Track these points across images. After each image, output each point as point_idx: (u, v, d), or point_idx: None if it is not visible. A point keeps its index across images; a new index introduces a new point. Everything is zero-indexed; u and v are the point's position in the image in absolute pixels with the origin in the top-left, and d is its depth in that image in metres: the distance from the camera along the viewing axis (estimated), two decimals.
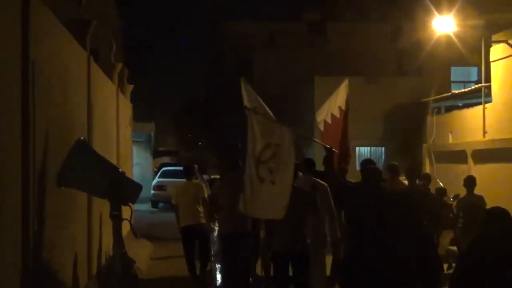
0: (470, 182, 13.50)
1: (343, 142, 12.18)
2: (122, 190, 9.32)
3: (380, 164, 26.09)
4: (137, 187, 10.23)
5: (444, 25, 20.43)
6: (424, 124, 25.10)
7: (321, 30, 38.99)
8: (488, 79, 19.15)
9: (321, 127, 12.37)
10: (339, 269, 6.66)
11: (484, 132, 19.10)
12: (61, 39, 9.38)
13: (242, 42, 40.30)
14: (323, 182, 10.76)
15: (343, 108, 12.19)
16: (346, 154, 12.17)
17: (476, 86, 20.06)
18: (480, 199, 13.26)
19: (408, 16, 33.87)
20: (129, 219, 9.87)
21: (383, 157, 28.61)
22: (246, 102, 10.90)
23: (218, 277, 12.36)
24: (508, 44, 17.60)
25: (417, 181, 13.24)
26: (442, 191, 14.79)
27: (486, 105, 19.11)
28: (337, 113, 12.26)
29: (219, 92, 42.82)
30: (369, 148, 28.71)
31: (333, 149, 10.82)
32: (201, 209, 12.95)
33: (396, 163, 13.47)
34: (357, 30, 36.91)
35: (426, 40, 28.87)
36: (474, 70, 31.51)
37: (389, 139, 27.95)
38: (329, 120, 12.30)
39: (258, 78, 37.66)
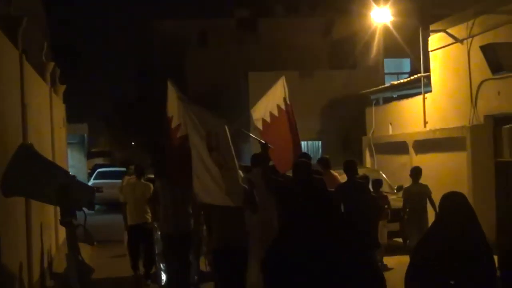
0: (416, 172, 13.71)
1: (293, 139, 12.01)
2: (73, 195, 8.74)
3: (317, 158, 25.92)
4: (90, 191, 9.71)
5: (380, 16, 20.21)
6: (362, 117, 24.90)
7: (252, 26, 38.55)
8: (426, 69, 18.97)
9: (260, 126, 12.14)
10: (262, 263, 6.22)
11: (425, 122, 18.88)
12: None
13: (173, 40, 39.66)
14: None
15: (282, 107, 12.04)
16: (298, 151, 11.93)
17: (416, 76, 19.82)
18: (425, 187, 13.47)
19: (339, 9, 33.75)
20: (83, 224, 9.45)
21: (320, 151, 28.53)
22: (168, 108, 11.07)
23: (163, 276, 12.35)
24: (447, 33, 17.41)
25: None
26: (378, 182, 14.67)
27: (426, 95, 18.91)
28: (276, 112, 12.07)
29: (150, 92, 42.10)
30: (305, 142, 28.50)
31: (269, 145, 11.19)
32: (148, 208, 12.96)
33: (326, 156, 13.67)
34: (288, 24, 36.61)
35: (359, 33, 28.95)
36: (406, 61, 31.66)
37: (326, 133, 27.92)
38: (268, 119, 12.08)
39: (190, 76, 37.22)
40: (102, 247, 18.32)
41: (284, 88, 12.21)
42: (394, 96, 24.63)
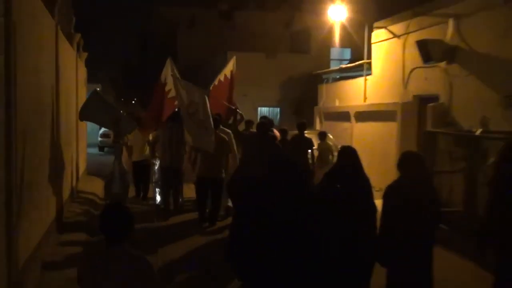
0: (321, 134, 14.80)
1: (229, 101, 13.10)
2: (122, 124, 10.74)
3: (276, 121, 26.29)
4: (133, 124, 11.46)
5: (334, 13, 19.64)
6: (314, 91, 24.45)
7: (230, 16, 37.71)
8: (369, 57, 18.49)
9: (211, 87, 12.95)
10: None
11: (365, 98, 18.46)
12: (35, 8, 7.93)
13: (168, 23, 38.89)
14: (228, 130, 11.82)
15: (228, 76, 13.05)
16: (233, 110, 13.06)
17: (360, 62, 19.30)
18: (329, 145, 14.67)
19: (298, 6, 33.20)
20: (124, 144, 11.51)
21: (278, 115, 28.51)
22: (163, 75, 12.42)
23: (158, 197, 13.05)
24: (387, 30, 16.91)
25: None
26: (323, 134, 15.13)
27: (367, 77, 18.45)
28: (222, 79, 13.07)
29: (149, 62, 41.14)
30: (268, 108, 28.40)
31: (239, 111, 12.76)
32: (147, 149, 13.71)
33: (270, 118, 14.80)
34: (258, 17, 35.85)
35: (313, 26, 28.84)
36: (347, 51, 31.35)
37: (283, 102, 27.95)
38: (216, 83, 13.03)
39: (181, 52, 36.60)
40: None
41: (233, 65, 13.22)
42: (337, 77, 24.22)
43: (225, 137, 11.20)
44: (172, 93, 12.24)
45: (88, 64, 21.76)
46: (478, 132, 11.55)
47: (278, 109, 28.75)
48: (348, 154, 6.24)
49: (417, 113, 15.51)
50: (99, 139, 29.28)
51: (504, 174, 5.47)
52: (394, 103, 16.09)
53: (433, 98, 14.37)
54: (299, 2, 33.15)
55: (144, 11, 45.67)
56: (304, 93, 26.78)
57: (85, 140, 18.74)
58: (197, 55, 34.11)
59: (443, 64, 13.92)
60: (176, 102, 12.36)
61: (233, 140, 11.71)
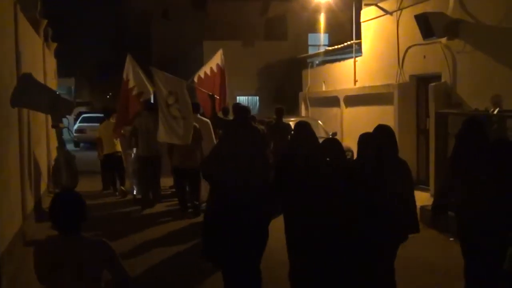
0: (279, 111, 12.60)
1: (222, 92, 12.38)
2: (59, 106, 9.24)
3: (255, 109, 25.21)
4: (71, 103, 10.09)
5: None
6: (295, 76, 22.80)
7: (203, 6, 35.92)
8: (357, 37, 16.82)
9: (196, 79, 12.32)
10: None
11: (355, 81, 16.79)
12: None
13: (142, 14, 37.04)
14: (206, 119, 11.39)
15: (215, 70, 12.34)
16: (224, 100, 12.45)
17: (349, 42, 17.60)
18: (288, 125, 12.27)
19: None
20: (68, 126, 11.00)
21: (257, 104, 27.21)
22: (125, 73, 11.81)
23: (135, 188, 12.50)
24: (378, 6, 15.24)
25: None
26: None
27: (357, 58, 16.76)
28: (209, 72, 12.35)
29: (124, 55, 39.14)
30: (246, 97, 27.06)
31: (216, 96, 11.54)
32: (117, 141, 13.02)
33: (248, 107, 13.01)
34: (232, 6, 34.14)
35: (289, 12, 27.70)
36: (325, 36, 29.91)
37: (262, 90, 26.69)
38: (202, 76, 12.30)
39: (155, 44, 35.08)
40: (84, 174, 16.16)
41: (221, 57, 12.40)
42: (317, 62, 22.64)
43: (197, 125, 10.83)
44: (136, 90, 11.90)
45: (60, 57, 19.90)
46: (496, 111, 10.02)
47: (257, 98, 27.39)
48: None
49: (416, 95, 13.94)
50: (74, 134, 27.18)
51: (458, 152, 5.33)
52: (390, 85, 14.44)
53: (434, 77, 12.80)
54: None
55: (117, 4, 43.56)
56: (284, 80, 25.29)
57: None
58: (173, 46, 32.34)
59: (444, 40, 12.32)
60: (141, 99, 12.04)
61: (212, 129, 11.37)
